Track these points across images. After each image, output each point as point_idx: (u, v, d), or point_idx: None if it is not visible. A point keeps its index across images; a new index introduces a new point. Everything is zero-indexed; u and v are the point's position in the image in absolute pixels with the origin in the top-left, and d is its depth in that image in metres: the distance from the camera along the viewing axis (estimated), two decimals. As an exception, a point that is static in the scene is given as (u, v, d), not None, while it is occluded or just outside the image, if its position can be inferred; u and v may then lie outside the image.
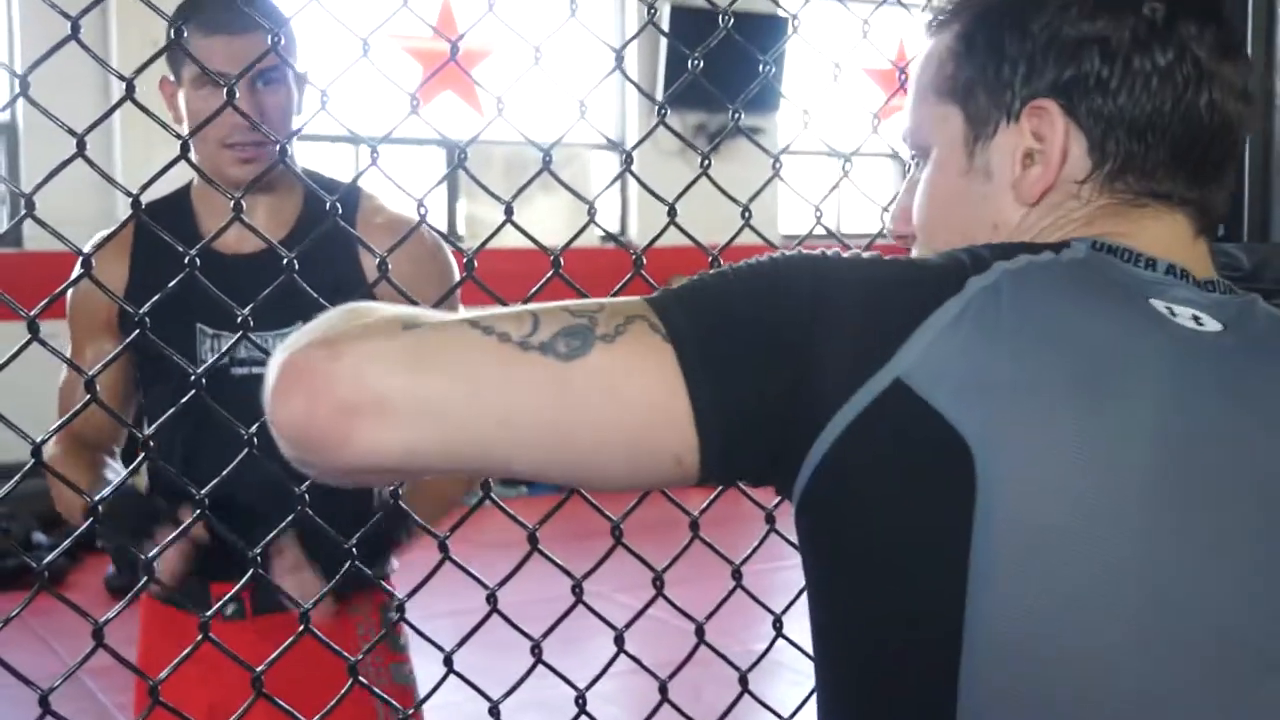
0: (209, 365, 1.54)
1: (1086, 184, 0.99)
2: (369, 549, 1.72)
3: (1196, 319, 0.94)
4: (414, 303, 1.36)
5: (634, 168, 1.61)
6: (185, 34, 1.75)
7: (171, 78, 1.90)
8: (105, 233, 1.93)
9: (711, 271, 0.93)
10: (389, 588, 1.87)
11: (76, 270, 1.33)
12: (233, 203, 1.37)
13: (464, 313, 0.91)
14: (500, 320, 0.87)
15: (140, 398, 2.02)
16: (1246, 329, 0.95)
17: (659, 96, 8.13)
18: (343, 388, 0.84)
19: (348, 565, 1.49)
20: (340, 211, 1.45)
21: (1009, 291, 0.89)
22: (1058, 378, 0.87)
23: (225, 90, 1.41)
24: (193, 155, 1.91)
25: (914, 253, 1.07)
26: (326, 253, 1.43)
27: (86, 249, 1.88)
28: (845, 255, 0.93)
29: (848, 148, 1.78)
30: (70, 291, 1.92)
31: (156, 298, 1.35)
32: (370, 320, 0.87)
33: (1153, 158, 0.99)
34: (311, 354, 0.85)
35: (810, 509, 0.90)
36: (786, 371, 0.87)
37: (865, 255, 0.94)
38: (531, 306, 0.90)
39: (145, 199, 1.50)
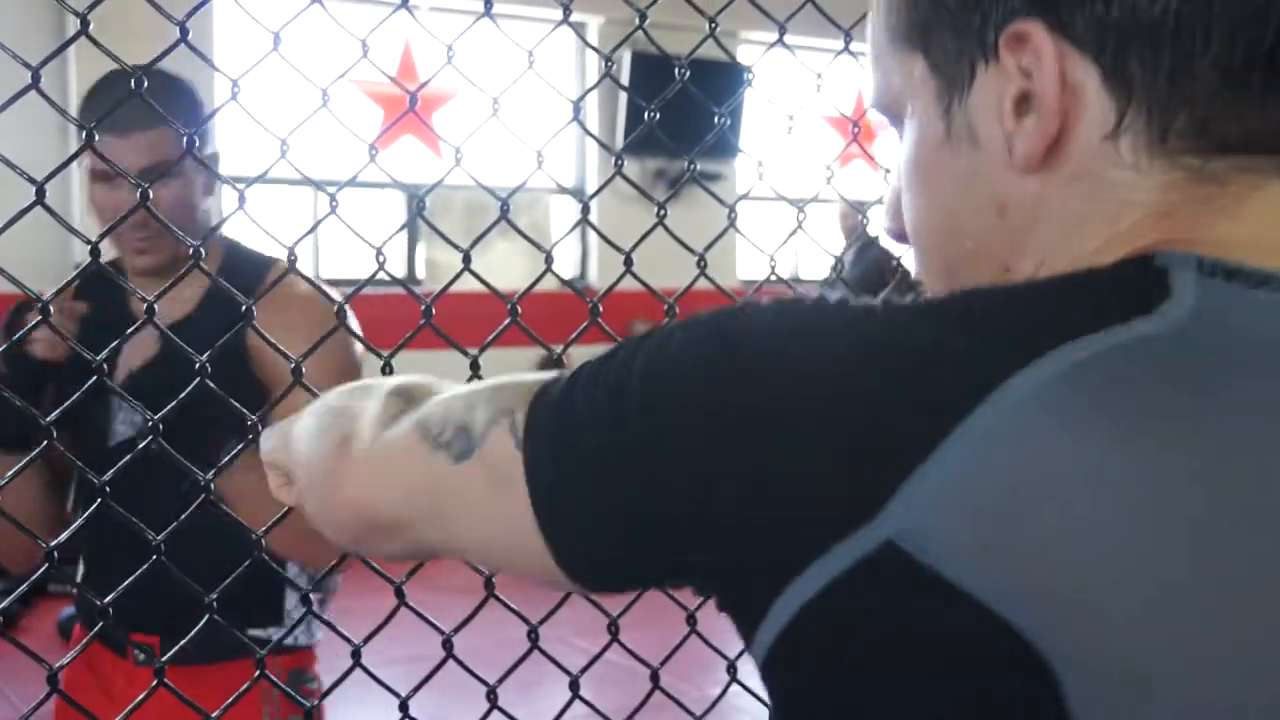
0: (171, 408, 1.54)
1: (1124, 138, 0.68)
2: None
3: None
4: (287, 357, 1.42)
5: (594, 214, 1.63)
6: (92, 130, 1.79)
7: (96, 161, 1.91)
8: (54, 289, 1.93)
9: (618, 349, 0.72)
10: (342, 631, 1.86)
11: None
12: (145, 305, 1.37)
13: (423, 387, 0.92)
14: (433, 413, 0.84)
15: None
16: None
17: (619, 141, 8.17)
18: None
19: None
20: (250, 315, 1.46)
21: (1074, 399, 0.58)
22: (1158, 558, 0.57)
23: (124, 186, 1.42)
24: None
25: (914, 269, 0.80)
26: (228, 322, 1.47)
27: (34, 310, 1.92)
28: (808, 325, 0.66)
29: (806, 194, 1.81)
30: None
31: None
32: (354, 424, 0.93)
33: (1206, 78, 0.66)
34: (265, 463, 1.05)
35: (788, 679, 0.65)
36: (695, 507, 0.64)
37: (845, 319, 0.65)
38: (465, 389, 0.85)
39: (84, 246, 1.51)
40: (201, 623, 1.41)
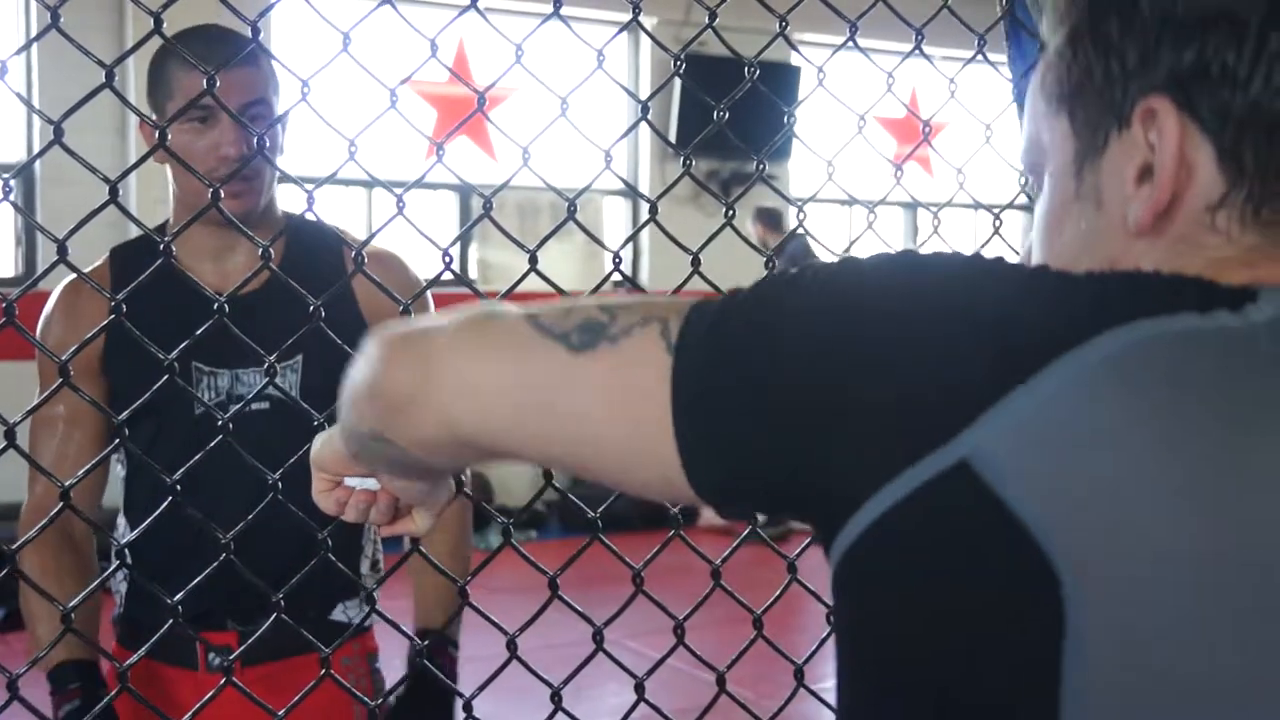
0: (241, 406, 1.54)
1: (1223, 210, 0.77)
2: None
3: None
4: (399, 301, 1.44)
5: (647, 214, 1.62)
6: (173, 70, 1.79)
7: (153, 115, 1.86)
8: (71, 279, 1.89)
9: (768, 283, 0.79)
10: (401, 628, 1.85)
11: (50, 313, 1.27)
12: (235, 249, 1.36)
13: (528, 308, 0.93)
14: (550, 313, 0.87)
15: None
16: None
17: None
18: (410, 341, 0.91)
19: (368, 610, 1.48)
20: (348, 260, 1.46)
21: (1128, 377, 0.67)
22: (1181, 515, 0.66)
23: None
24: (171, 197, 1.94)
25: None
26: (315, 291, 1.44)
27: (61, 290, 1.90)
28: (935, 269, 0.75)
29: (862, 196, 1.80)
30: (43, 331, 1.90)
31: (184, 344, 1.35)
32: (469, 316, 0.91)
33: None
34: (412, 333, 0.92)
35: (848, 596, 0.75)
36: (806, 432, 0.73)
37: (962, 266, 0.75)
38: (582, 300, 0.87)
39: (121, 240, 1.51)
40: (253, 613, 1.38)
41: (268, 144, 1.85)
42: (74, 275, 1.83)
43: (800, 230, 1.75)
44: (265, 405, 1.87)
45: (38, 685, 1.54)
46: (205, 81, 1.29)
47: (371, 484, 1.13)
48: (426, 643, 1.75)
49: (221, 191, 1.79)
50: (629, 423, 0.80)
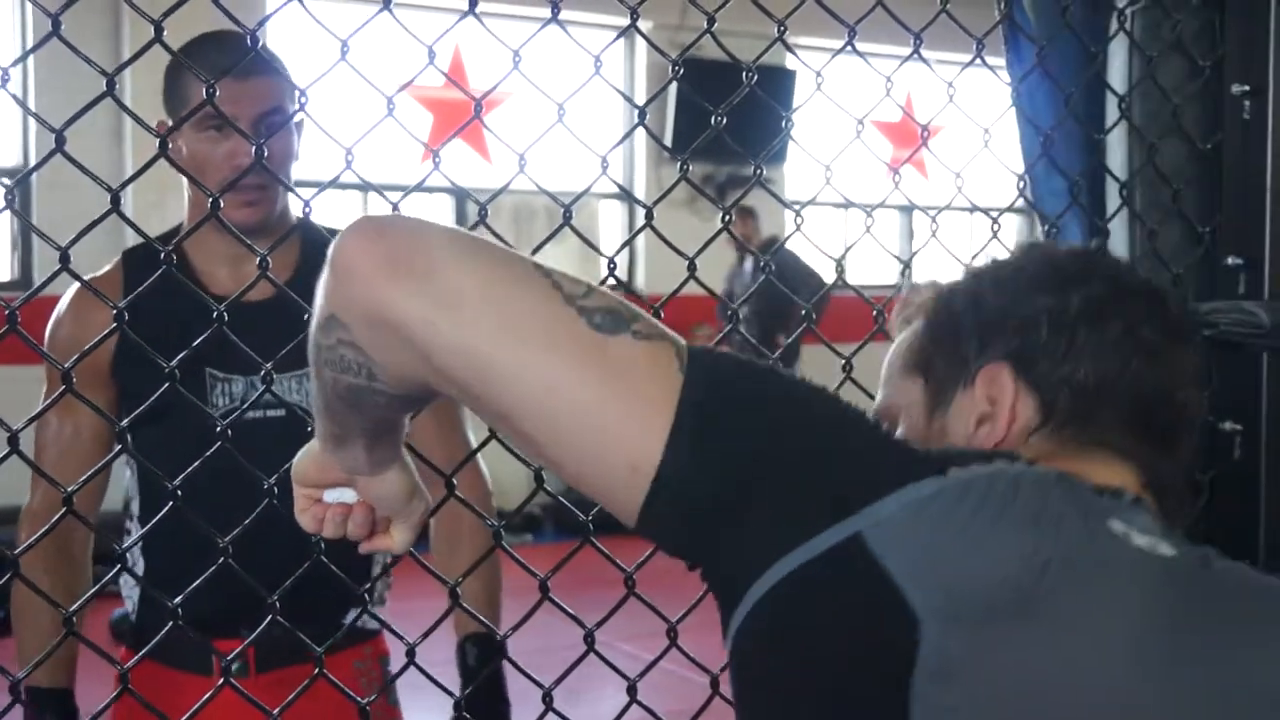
0: (241, 409, 1.54)
1: (1035, 435, 1.05)
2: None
3: (1152, 544, 0.93)
4: None
5: (642, 219, 1.62)
6: (190, 77, 1.77)
7: (169, 121, 1.87)
8: (89, 278, 1.88)
9: (747, 359, 0.94)
10: (401, 632, 1.85)
11: (61, 315, 1.26)
12: (254, 257, 1.36)
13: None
14: (561, 274, 0.92)
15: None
16: (1202, 554, 0.95)
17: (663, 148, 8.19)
18: (410, 246, 0.90)
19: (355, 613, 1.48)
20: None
21: (983, 490, 0.88)
22: (1023, 586, 0.86)
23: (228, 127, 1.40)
24: (186, 203, 1.93)
25: None
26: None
27: (70, 294, 1.90)
28: (859, 412, 0.93)
29: (857, 200, 1.80)
30: (52, 335, 1.90)
31: (183, 353, 1.34)
32: (470, 235, 0.93)
33: (1100, 417, 1.05)
34: (402, 219, 0.94)
35: (743, 646, 0.89)
36: (757, 490, 0.87)
37: (873, 422, 0.94)
38: (593, 283, 0.93)
39: (135, 242, 1.51)
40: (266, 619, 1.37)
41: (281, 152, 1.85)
42: (88, 278, 1.84)
43: (781, 237, 1.74)
44: (281, 413, 1.85)
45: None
46: (212, 91, 1.29)
47: (349, 496, 1.14)
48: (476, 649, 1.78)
49: (234, 200, 1.80)
50: (625, 410, 0.87)
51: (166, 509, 1.34)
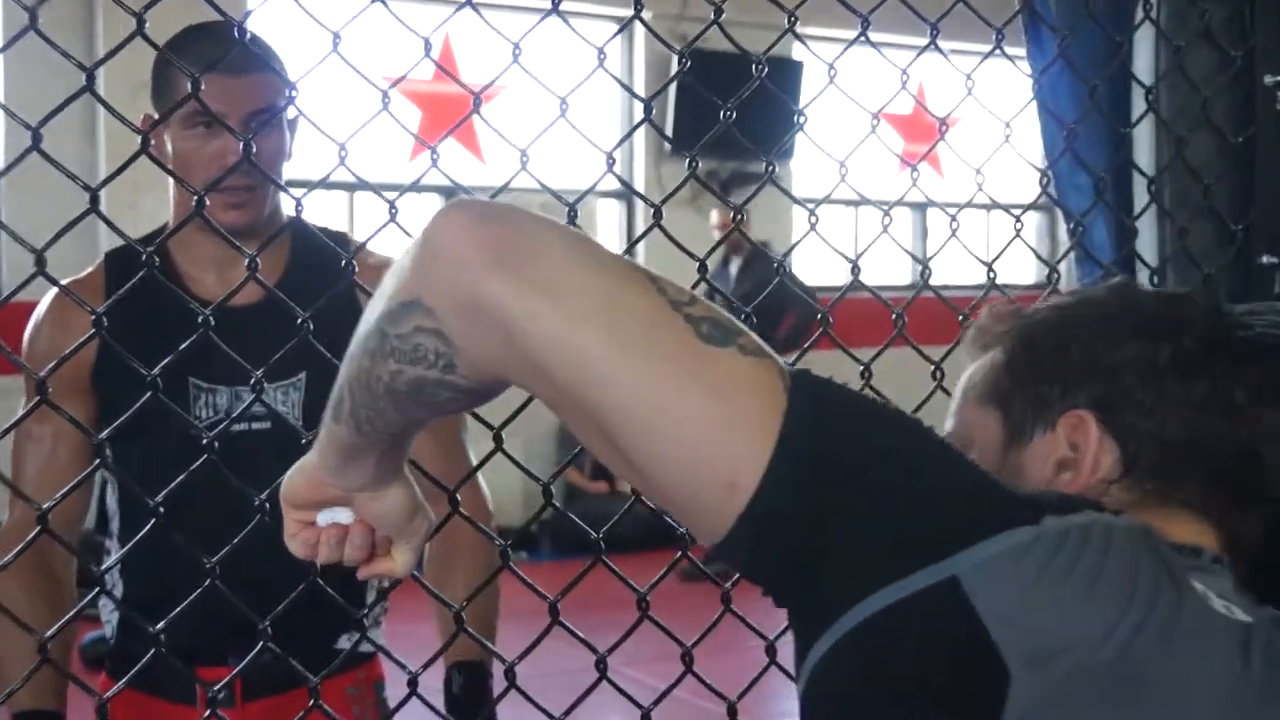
0: (225, 425, 1.54)
1: (1114, 485, 1.08)
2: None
3: (1228, 609, 0.95)
4: None
5: (645, 217, 1.62)
6: (179, 71, 1.75)
7: (155, 115, 1.85)
8: (68, 281, 1.86)
9: (845, 385, 0.95)
10: (399, 659, 1.84)
11: (39, 321, 1.25)
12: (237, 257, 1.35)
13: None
14: (661, 278, 0.92)
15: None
16: (1275, 618, 0.97)
17: (666, 143, 8.18)
18: (516, 232, 0.90)
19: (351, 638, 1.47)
20: (349, 268, 1.45)
21: (1078, 543, 0.89)
22: (1114, 651, 0.88)
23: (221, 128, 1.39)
24: (171, 201, 1.93)
25: None
26: (314, 301, 1.41)
27: (50, 298, 1.89)
28: (955, 449, 0.95)
29: (867, 197, 1.80)
30: (30, 341, 1.90)
31: (167, 360, 1.33)
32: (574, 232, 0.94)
33: (1183, 474, 1.07)
34: (499, 204, 0.94)
35: (822, 680, 0.91)
36: (852, 521, 0.88)
37: (969, 460, 0.96)
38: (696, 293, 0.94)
39: (119, 243, 1.51)
40: (255, 645, 1.36)
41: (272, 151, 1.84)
42: (67, 281, 1.82)
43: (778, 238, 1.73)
44: (267, 425, 1.85)
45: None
46: (199, 86, 1.29)
47: (344, 516, 1.11)
48: (461, 677, 1.77)
49: (221, 201, 1.79)
50: (728, 427, 0.88)
51: (148, 528, 1.32)
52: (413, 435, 1.08)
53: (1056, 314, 1.17)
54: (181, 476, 1.34)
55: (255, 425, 1.84)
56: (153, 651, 1.32)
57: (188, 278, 1.92)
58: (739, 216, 1.58)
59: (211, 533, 1.36)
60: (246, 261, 1.37)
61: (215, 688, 1.41)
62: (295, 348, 1.39)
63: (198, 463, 1.34)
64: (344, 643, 1.92)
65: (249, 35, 1.72)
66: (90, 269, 1.95)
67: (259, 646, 1.36)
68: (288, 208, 1.97)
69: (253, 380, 1.38)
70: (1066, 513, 0.92)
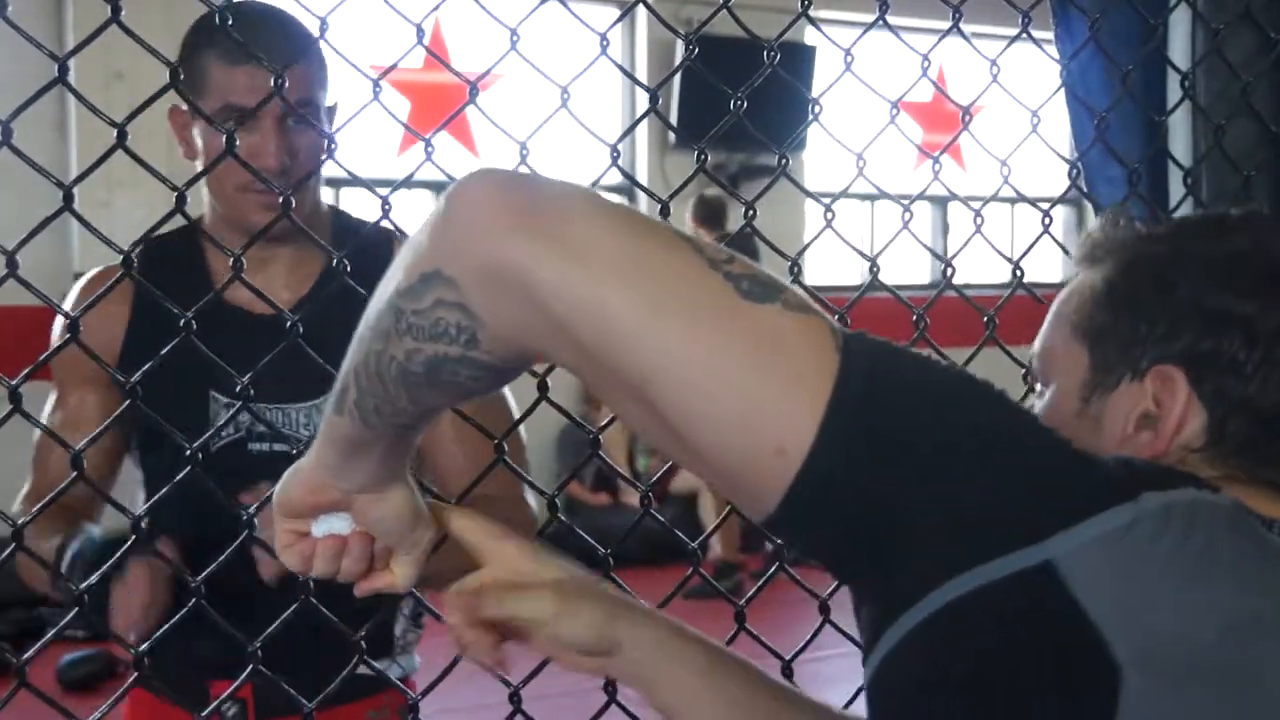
0: (206, 437, 1.52)
1: (1196, 454, 1.04)
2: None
3: None
4: None
5: (649, 213, 1.61)
6: (208, 59, 1.74)
7: (184, 107, 1.81)
8: (97, 270, 1.86)
9: (906, 346, 0.92)
10: (405, 689, 1.80)
11: (61, 320, 1.30)
12: (236, 259, 1.34)
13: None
14: (704, 242, 0.90)
15: (136, 462, 1.95)
16: None
17: (670, 135, 8.17)
18: (541, 196, 0.89)
19: (352, 663, 1.47)
20: (375, 264, 1.44)
21: (1182, 525, 0.88)
22: (1228, 645, 0.87)
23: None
24: (205, 197, 1.91)
25: None
26: (356, 309, 1.40)
27: (78, 290, 1.88)
28: (1028, 414, 0.92)
29: (887, 191, 1.80)
30: (59, 336, 1.90)
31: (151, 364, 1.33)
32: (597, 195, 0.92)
33: (1273, 450, 1.04)
34: (522, 172, 0.95)
35: (895, 673, 0.88)
36: (925, 494, 0.85)
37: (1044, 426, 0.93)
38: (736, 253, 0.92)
39: (85, 243, 1.50)
40: (270, 664, 1.36)
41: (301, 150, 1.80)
42: (99, 269, 1.79)
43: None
44: (285, 447, 1.80)
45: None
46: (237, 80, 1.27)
47: (341, 526, 1.10)
48: None
49: (255, 201, 1.77)
50: (775, 387, 0.85)
51: (130, 542, 1.33)
52: (420, 430, 1.05)
53: (1173, 244, 1.11)
54: (165, 490, 1.35)
55: (277, 447, 1.82)
56: (162, 661, 1.32)
57: (218, 278, 1.85)
58: (751, 212, 1.57)
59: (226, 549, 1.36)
60: (230, 261, 1.37)
61: (216, 702, 1.44)
62: (331, 358, 1.38)
63: (182, 474, 1.34)
64: (365, 668, 1.92)
65: (281, 16, 1.70)
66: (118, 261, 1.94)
67: (249, 669, 1.37)
68: (327, 201, 1.95)
69: (238, 387, 1.36)
70: (1165, 488, 0.89)
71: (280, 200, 1.45)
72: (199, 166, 1.78)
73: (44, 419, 1.85)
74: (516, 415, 1.68)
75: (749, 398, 0.85)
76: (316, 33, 1.40)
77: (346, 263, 1.41)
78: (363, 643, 1.42)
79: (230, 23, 1.56)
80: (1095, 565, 0.84)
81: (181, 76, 1.77)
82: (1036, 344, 1.16)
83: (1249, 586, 0.88)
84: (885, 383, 0.86)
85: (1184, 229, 1.13)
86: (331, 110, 1.88)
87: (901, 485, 0.85)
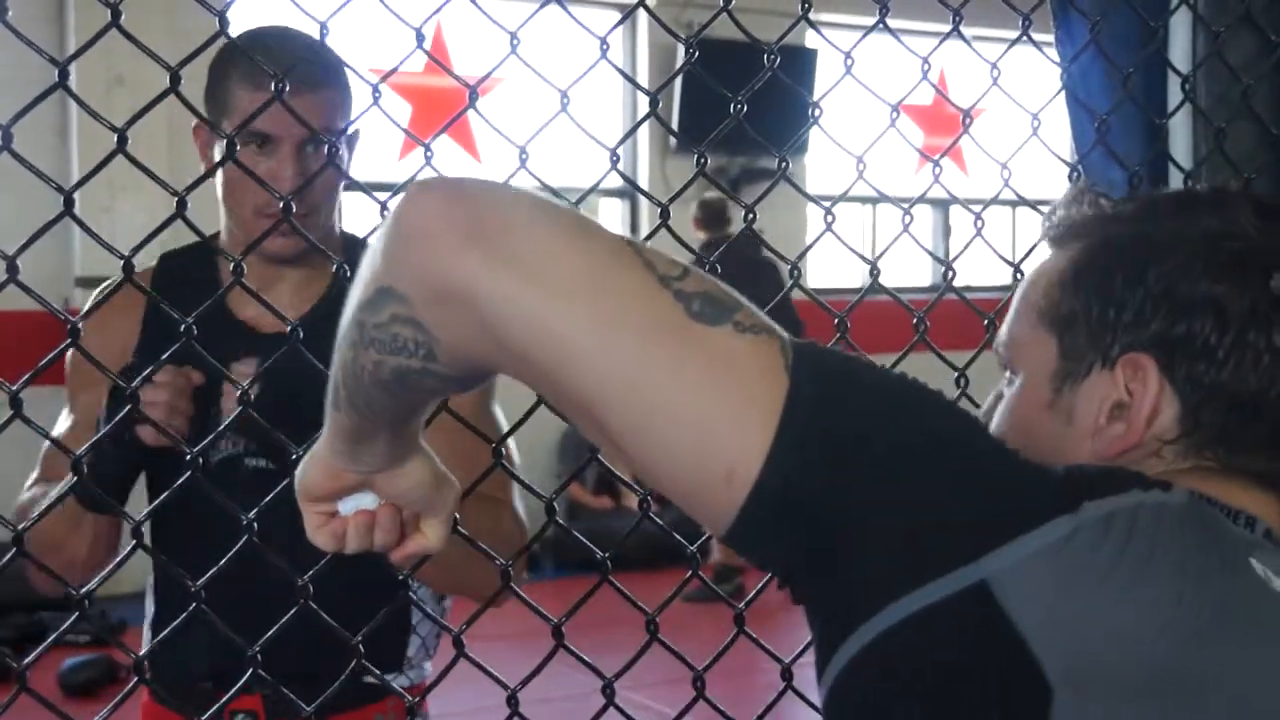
0: (205, 444, 1.53)
1: (1170, 446, 1.02)
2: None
3: None
4: None
5: (650, 217, 1.62)
6: (233, 82, 1.77)
7: (207, 127, 1.81)
8: (114, 282, 1.80)
9: (857, 357, 0.93)
10: (404, 694, 1.79)
11: (82, 316, 1.32)
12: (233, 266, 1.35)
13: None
14: (652, 251, 0.90)
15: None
16: None
17: (670, 138, 8.17)
18: (490, 210, 0.88)
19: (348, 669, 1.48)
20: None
21: (1122, 533, 0.87)
22: (1171, 661, 0.86)
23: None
24: (221, 218, 1.92)
25: None
26: None
27: (93, 302, 1.89)
28: (979, 424, 0.93)
29: (887, 194, 1.80)
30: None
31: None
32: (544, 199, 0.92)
33: (1249, 436, 1.01)
34: (474, 179, 0.92)
35: (846, 691, 0.89)
36: (869, 515, 0.86)
37: (993, 437, 0.94)
38: (686, 263, 0.91)
39: (87, 248, 1.51)
40: (279, 674, 1.37)
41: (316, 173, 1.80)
42: (116, 280, 1.81)
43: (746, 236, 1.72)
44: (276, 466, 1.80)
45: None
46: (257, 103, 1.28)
47: (368, 501, 1.11)
48: None
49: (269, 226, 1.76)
50: (724, 411, 0.85)
51: (127, 549, 1.35)
52: (420, 413, 1.06)
53: (1141, 225, 1.06)
54: (164, 497, 1.36)
55: (272, 465, 1.82)
56: (169, 669, 1.33)
57: (231, 295, 1.88)
58: (751, 215, 1.57)
59: (250, 564, 1.37)
60: (221, 270, 1.37)
61: (214, 708, 1.44)
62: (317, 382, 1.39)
63: (170, 489, 1.35)
64: (373, 678, 1.92)
65: (308, 41, 1.71)
66: (139, 269, 1.95)
67: (247, 674, 1.37)
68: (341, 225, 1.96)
69: (237, 393, 1.37)
70: (1108, 494, 0.88)
71: (281, 206, 1.45)
72: (219, 190, 1.81)
73: (59, 423, 1.88)
74: (505, 426, 1.69)
75: (699, 423, 0.86)
76: (316, 34, 1.40)
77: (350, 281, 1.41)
78: (360, 648, 1.43)
79: (257, 47, 1.58)
80: (1037, 579, 0.84)
81: (207, 98, 1.81)
82: (1003, 331, 1.12)
83: (1187, 592, 0.87)
84: (838, 388, 0.87)
85: (1152, 209, 1.08)
86: (353, 138, 1.89)
87: (857, 484, 0.86)
